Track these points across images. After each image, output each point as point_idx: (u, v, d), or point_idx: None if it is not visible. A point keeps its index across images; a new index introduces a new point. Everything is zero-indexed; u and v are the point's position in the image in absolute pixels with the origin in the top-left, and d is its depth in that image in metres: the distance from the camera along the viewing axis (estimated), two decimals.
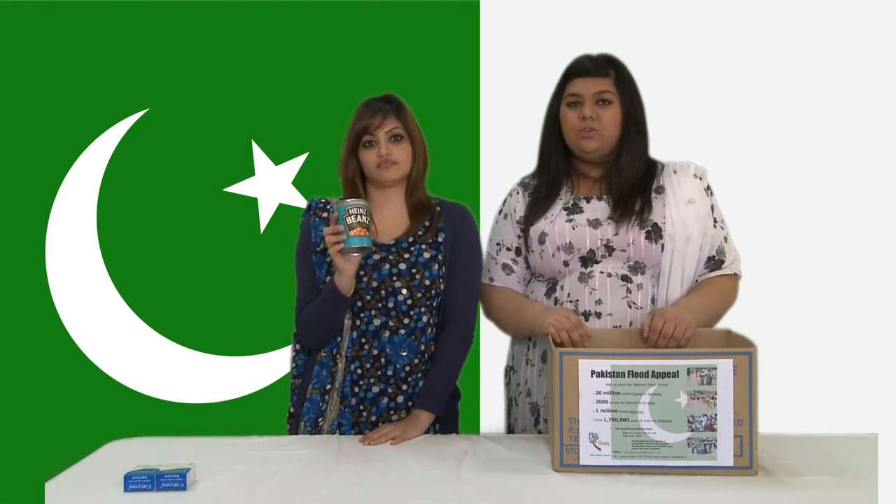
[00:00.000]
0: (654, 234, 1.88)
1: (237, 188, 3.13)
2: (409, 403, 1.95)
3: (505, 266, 2.01)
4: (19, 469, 2.85)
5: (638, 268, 1.89)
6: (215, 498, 1.52)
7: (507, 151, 3.01)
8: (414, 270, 1.93)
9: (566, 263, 1.91)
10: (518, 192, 2.04)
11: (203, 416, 3.04)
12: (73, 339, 3.11)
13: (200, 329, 3.12)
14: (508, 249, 2.02)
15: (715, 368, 1.54)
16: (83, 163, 3.11)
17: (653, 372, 1.55)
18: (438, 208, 2.01)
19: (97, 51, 3.07)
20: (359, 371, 1.94)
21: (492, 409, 2.54)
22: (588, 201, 1.95)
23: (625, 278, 1.88)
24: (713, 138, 2.77)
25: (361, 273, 1.91)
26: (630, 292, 1.87)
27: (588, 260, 1.90)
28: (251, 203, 3.14)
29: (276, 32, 3.09)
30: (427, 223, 1.99)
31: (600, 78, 1.90)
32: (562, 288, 1.92)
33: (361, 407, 1.94)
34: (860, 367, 2.59)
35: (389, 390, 1.93)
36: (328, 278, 1.92)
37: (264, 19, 3.09)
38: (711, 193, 1.96)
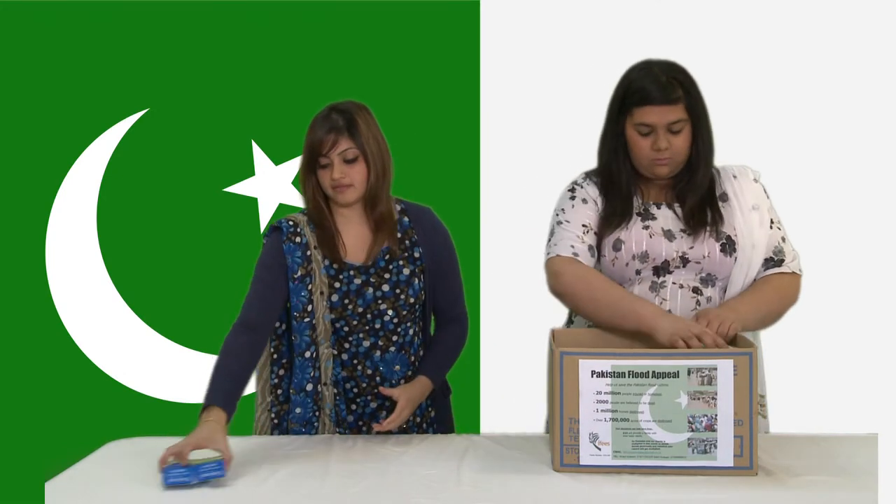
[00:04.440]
0: (728, 246, 1.85)
1: (237, 188, 3.13)
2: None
3: (591, 248, 1.88)
4: (19, 469, 2.85)
5: (709, 280, 1.86)
6: (215, 498, 1.52)
7: (507, 151, 3.03)
8: (398, 290, 1.91)
9: (638, 272, 1.87)
10: (589, 185, 1.93)
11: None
12: (73, 339, 3.11)
13: (200, 329, 3.11)
14: (596, 234, 1.90)
15: (715, 369, 1.54)
16: (83, 163, 3.11)
17: (653, 372, 1.55)
18: (406, 218, 1.96)
19: (97, 51, 3.07)
20: (354, 390, 1.94)
21: (492, 408, 2.54)
22: (659, 207, 1.90)
23: (696, 290, 1.85)
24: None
25: (346, 301, 1.89)
26: (699, 304, 1.84)
27: (661, 270, 1.86)
28: (251, 203, 3.14)
29: (276, 32, 3.09)
30: (399, 234, 1.94)
31: (672, 106, 1.79)
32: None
33: (360, 423, 1.95)
34: (860, 367, 2.59)
35: (387, 404, 1.92)
36: (309, 306, 1.89)
37: (264, 19, 3.09)
38: (768, 196, 1.93)
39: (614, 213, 1.90)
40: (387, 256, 1.92)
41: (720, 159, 1.95)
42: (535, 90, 3.01)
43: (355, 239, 1.93)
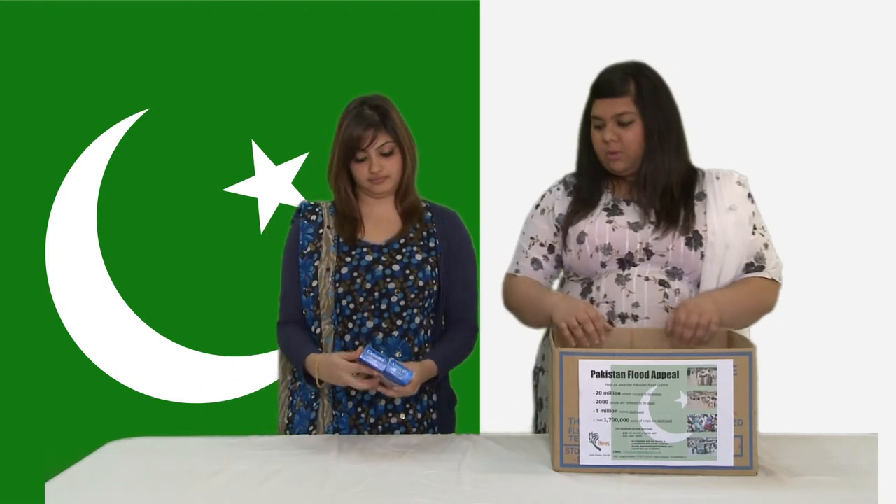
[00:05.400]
0: (695, 241, 1.86)
1: (237, 188, 3.13)
2: (407, 405, 1.95)
3: (535, 261, 1.98)
4: (19, 469, 2.85)
5: (676, 273, 1.87)
6: (216, 498, 1.52)
7: (507, 152, 3.02)
8: (408, 272, 1.93)
9: (603, 265, 1.89)
10: (559, 189, 2.02)
11: (203, 416, 3.04)
12: (73, 339, 3.11)
13: (200, 329, 3.12)
14: (542, 245, 1.99)
15: (715, 369, 1.54)
16: (83, 163, 3.10)
17: (653, 372, 1.55)
18: (429, 213, 2.02)
19: (97, 51, 3.07)
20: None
21: (492, 408, 2.54)
22: (628, 203, 1.93)
23: (662, 283, 1.86)
24: (711, 139, 2.77)
25: (355, 275, 1.92)
26: (667, 297, 1.85)
27: (626, 262, 1.88)
28: (251, 203, 3.14)
29: (276, 32, 3.09)
30: (417, 225, 2.00)
31: (619, 98, 1.86)
32: (598, 288, 1.89)
33: (359, 409, 1.94)
34: (860, 367, 2.58)
35: None
36: (314, 282, 1.93)
37: (264, 19, 3.09)
38: (753, 201, 1.94)
39: (581, 199, 1.96)
40: (402, 240, 1.97)
41: (710, 163, 1.96)
42: (535, 90, 3.00)
43: (377, 223, 1.99)
